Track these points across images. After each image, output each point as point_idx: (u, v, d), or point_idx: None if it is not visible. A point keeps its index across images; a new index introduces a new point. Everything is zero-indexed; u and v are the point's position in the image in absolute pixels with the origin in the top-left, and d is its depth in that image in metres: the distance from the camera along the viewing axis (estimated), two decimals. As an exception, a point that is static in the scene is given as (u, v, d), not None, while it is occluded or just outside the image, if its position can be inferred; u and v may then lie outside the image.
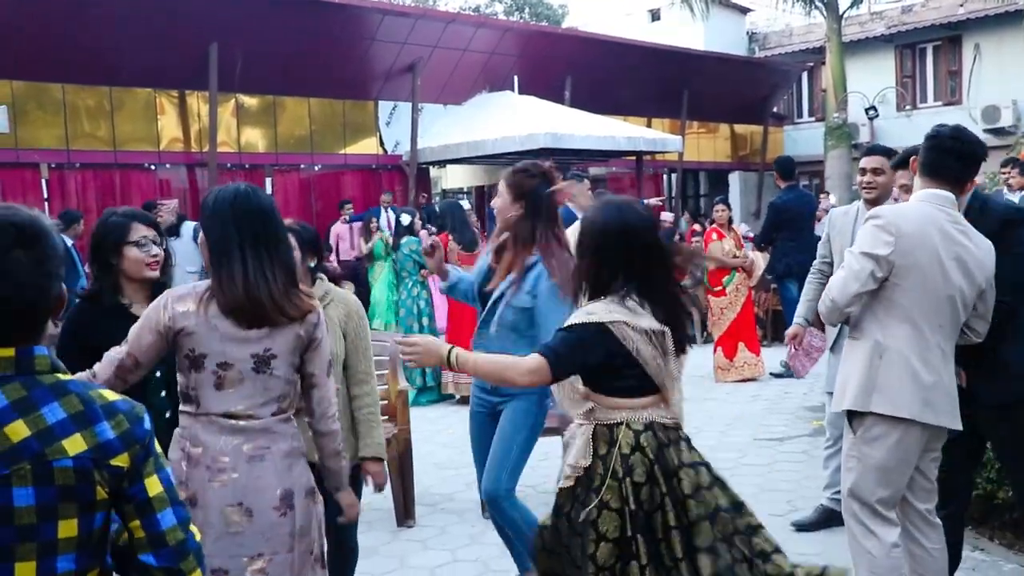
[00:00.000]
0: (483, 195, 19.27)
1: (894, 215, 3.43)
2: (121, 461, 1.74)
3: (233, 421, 2.80)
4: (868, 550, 3.46)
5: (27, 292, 1.73)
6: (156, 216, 11.82)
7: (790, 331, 5.39)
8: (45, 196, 13.22)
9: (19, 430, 1.69)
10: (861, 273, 3.38)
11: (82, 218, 11.03)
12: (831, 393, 5.05)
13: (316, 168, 16.10)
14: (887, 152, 5.14)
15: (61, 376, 1.78)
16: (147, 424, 1.82)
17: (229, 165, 14.73)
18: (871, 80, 22.32)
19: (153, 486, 1.78)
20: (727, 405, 8.56)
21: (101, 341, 2.95)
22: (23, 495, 1.66)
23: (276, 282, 2.79)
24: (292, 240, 3.13)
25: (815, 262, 5.38)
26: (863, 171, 5.01)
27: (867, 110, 22.10)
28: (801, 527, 5.14)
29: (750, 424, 7.77)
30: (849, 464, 3.51)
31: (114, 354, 2.84)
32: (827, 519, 5.12)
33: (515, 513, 3.95)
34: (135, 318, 3.02)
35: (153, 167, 14.43)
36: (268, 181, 15.41)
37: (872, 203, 4.99)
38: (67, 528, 1.70)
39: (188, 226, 10.38)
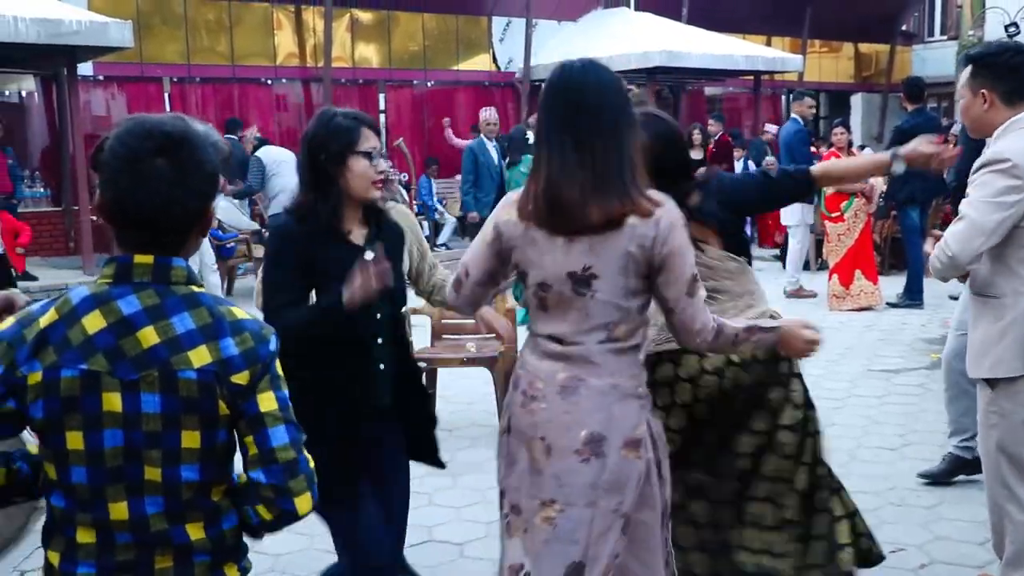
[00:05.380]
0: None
1: (1019, 156, 3.06)
2: (241, 379, 1.74)
3: (555, 345, 2.43)
4: (1010, 515, 3.20)
5: (163, 202, 1.71)
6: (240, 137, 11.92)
7: None
8: (167, 110, 13.57)
9: (149, 336, 1.70)
10: (987, 225, 3.04)
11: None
12: (962, 334, 4.79)
13: (429, 84, 16.11)
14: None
15: (196, 288, 1.77)
16: (272, 345, 1.79)
17: (343, 80, 14.85)
18: (1012, -5, 21.06)
19: (266, 402, 1.76)
20: (840, 334, 8.35)
21: (319, 269, 2.70)
22: (150, 401, 1.70)
23: (588, 178, 2.31)
24: None
25: None
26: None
27: (1007, 27, 20.77)
28: (931, 479, 4.78)
29: (863, 355, 7.59)
30: (991, 420, 3.22)
31: (458, 268, 2.63)
32: (957, 468, 4.75)
33: None
34: (355, 249, 2.71)
35: (270, 82, 14.66)
36: (381, 97, 15.51)
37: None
38: (190, 439, 1.73)
39: None
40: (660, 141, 2.89)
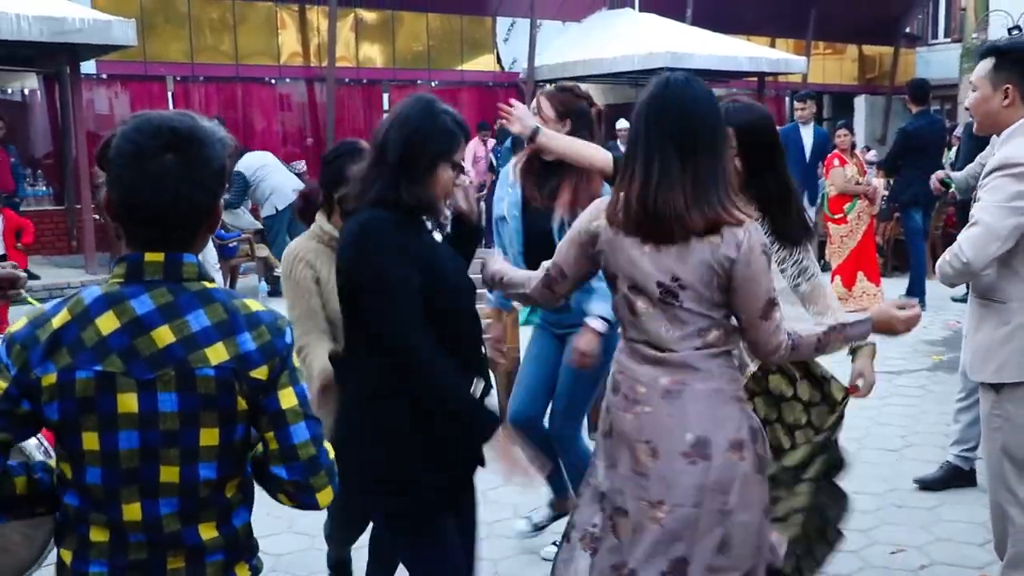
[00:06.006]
0: (600, 116, 19.03)
1: None
2: (260, 373, 1.73)
3: (652, 351, 2.47)
4: (1012, 518, 3.18)
5: (171, 199, 1.69)
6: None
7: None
8: (171, 109, 13.57)
9: (164, 335, 1.69)
10: (1002, 231, 2.98)
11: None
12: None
13: (433, 84, 16.11)
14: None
15: (208, 284, 1.76)
16: (288, 337, 1.79)
17: (347, 80, 14.86)
18: (1015, -2, 21.04)
19: (287, 398, 1.76)
20: (842, 336, 8.35)
21: (412, 255, 2.45)
22: (167, 400, 1.69)
23: (686, 190, 2.35)
24: None
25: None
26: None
27: (1010, 30, 20.58)
28: (925, 485, 4.72)
29: (865, 356, 7.57)
30: (994, 424, 3.19)
31: (546, 263, 2.67)
32: (952, 478, 4.69)
33: (575, 459, 3.80)
34: (433, 236, 2.62)
35: (273, 81, 14.67)
36: (385, 96, 15.52)
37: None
38: (208, 437, 1.72)
39: None
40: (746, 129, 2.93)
